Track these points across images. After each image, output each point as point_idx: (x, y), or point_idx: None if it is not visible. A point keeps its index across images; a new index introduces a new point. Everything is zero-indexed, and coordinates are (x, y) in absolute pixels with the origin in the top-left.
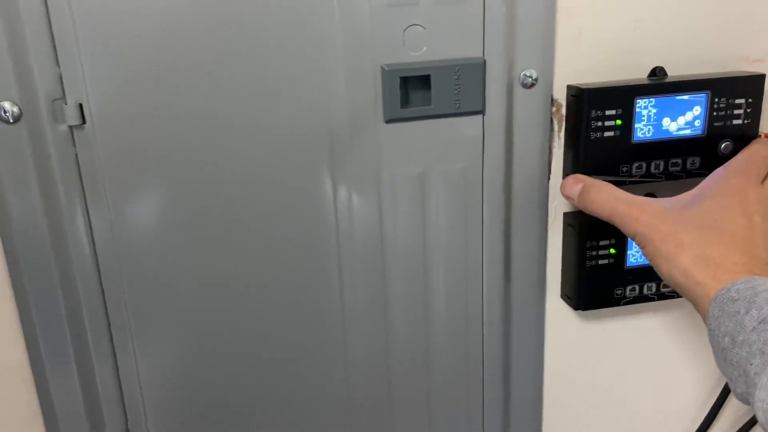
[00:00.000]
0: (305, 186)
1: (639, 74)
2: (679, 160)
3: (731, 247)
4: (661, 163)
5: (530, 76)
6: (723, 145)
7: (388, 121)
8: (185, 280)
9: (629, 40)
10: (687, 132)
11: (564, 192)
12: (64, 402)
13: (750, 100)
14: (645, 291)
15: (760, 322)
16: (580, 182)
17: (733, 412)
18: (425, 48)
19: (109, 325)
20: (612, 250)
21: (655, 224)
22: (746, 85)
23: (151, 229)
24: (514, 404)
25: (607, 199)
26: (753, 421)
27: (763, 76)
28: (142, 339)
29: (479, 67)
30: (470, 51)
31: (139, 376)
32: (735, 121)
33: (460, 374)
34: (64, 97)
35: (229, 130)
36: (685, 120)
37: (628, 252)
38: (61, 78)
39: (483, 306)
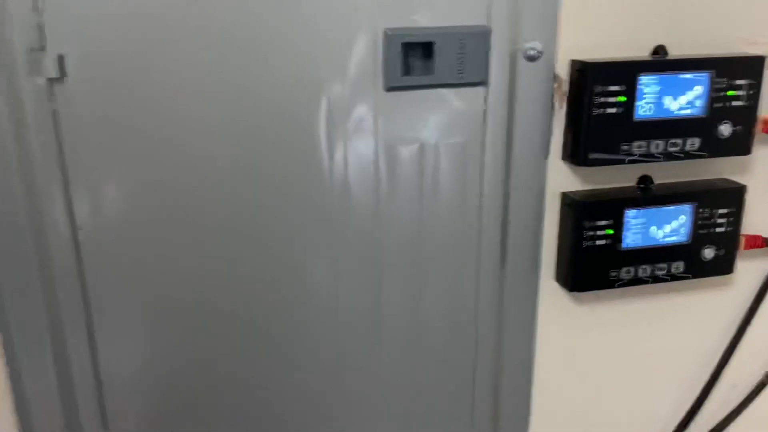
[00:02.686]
0: (298, 151)
1: (641, 53)
2: (679, 141)
3: None
4: (661, 143)
5: (534, 49)
6: (722, 127)
7: (388, 89)
8: (168, 242)
9: (633, 17)
10: (688, 112)
11: None
12: (38, 396)
13: (751, 81)
14: (640, 273)
15: None
16: None
17: (720, 397)
18: (429, 14)
19: (88, 309)
20: (609, 231)
21: None
22: (748, 66)
23: (135, 197)
24: (504, 385)
25: None
26: (740, 408)
27: (763, 58)
28: (121, 327)
29: (485, 36)
30: (475, 19)
31: (119, 365)
32: (735, 103)
33: (451, 355)
34: (43, 47)
35: (218, 88)
36: (686, 99)
37: (624, 233)
38: (41, 26)
39: (477, 285)
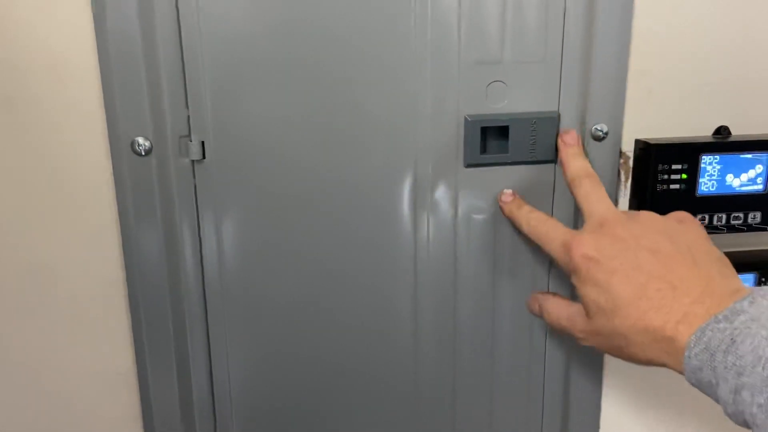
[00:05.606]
0: (389, 218)
1: (704, 132)
2: (741, 215)
3: None
4: (724, 216)
5: (601, 130)
6: None
7: (467, 166)
8: (275, 295)
9: (696, 101)
10: (749, 188)
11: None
12: (162, 404)
13: None
14: None
15: None
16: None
17: None
18: (506, 101)
19: (208, 334)
20: None
21: None
22: None
23: (251, 250)
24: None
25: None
26: None
27: None
28: (234, 348)
29: (554, 121)
30: (547, 105)
31: (230, 383)
32: None
33: (521, 401)
34: (189, 135)
35: (326, 166)
36: (747, 177)
37: None
38: (188, 119)
39: (546, 340)
